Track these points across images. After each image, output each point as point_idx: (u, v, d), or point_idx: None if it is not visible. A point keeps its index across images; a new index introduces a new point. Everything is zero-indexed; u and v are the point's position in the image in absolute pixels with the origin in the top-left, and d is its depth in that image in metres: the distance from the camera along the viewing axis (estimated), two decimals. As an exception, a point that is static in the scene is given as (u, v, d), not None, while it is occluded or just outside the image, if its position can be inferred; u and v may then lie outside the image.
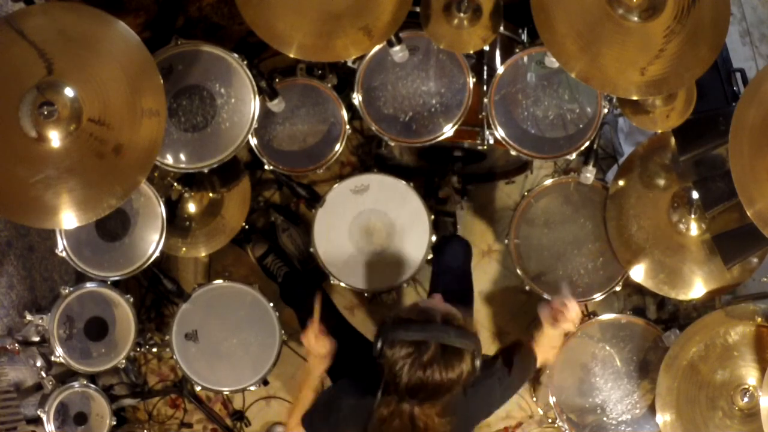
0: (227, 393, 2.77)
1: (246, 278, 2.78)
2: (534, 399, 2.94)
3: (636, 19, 1.93)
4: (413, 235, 2.55)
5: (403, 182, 2.57)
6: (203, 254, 2.68)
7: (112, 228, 2.39)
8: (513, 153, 2.39)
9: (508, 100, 2.38)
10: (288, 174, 2.56)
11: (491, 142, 2.39)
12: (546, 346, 2.16)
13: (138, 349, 2.71)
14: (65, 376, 2.56)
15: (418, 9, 2.15)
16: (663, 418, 2.30)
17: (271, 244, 2.96)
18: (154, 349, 2.80)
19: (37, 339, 2.46)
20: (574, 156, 2.41)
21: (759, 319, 2.26)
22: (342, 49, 2.04)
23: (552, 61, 2.22)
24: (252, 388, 2.57)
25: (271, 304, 2.55)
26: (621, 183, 2.46)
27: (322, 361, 2.10)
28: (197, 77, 2.30)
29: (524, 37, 2.40)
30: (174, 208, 2.62)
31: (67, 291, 2.43)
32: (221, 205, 2.66)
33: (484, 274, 3.06)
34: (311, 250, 2.57)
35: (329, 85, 2.51)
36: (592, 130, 2.37)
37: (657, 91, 1.97)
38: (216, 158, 2.31)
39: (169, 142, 2.31)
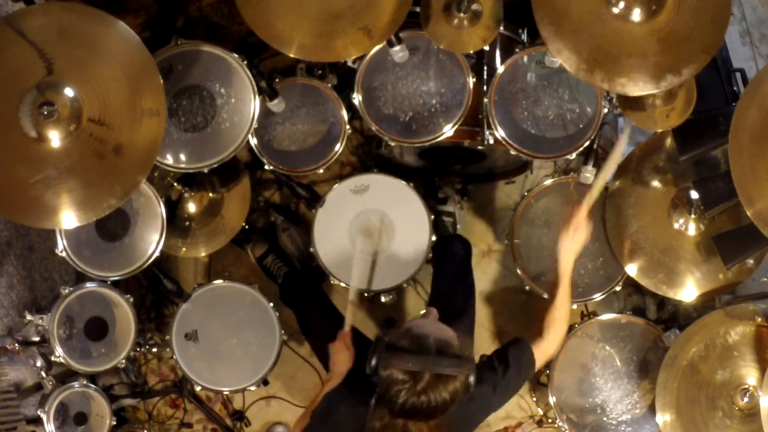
0: (227, 393, 2.77)
1: (246, 278, 2.78)
2: (534, 399, 2.94)
3: (636, 17, 1.93)
4: (413, 235, 2.55)
5: (403, 182, 2.57)
6: (203, 254, 2.68)
7: (112, 228, 2.39)
8: (513, 153, 2.39)
9: (508, 100, 2.38)
10: (288, 174, 2.56)
11: (491, 142, 2.39)
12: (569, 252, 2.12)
13: (138, 349, 2.71)
14: (65, 376, 2.56)
15: (418, 9, 2.15)
16: (663, 418, 2.30)
17: (271, 244, 2.96)
18: (154, 349, 2.80)
19: (37, 339, 2.46)
20: (574, 156, 2.41)
21: (759, 319, 2.26)
22: (342, 49, 2.04)
23: (552, 61, 2.22)
24: (252, 388, 2.57)
25: (271, 304, 2.55)
26: (620, 183, 2.46)
27: (339, 377, 2.13)
28: (197, 77, 2.30)
29: (524, 37, 2.40)
30: (174, 208, 2.62)
31: (67, 291, 2.43)
32: (221, 205, 2.66)
33: (484, 274, 3.06)
34: (311, 250, 2.57)
35: (329, 85, 2.51)
36: (592, 130, 2.37)
37: (656, 87, 1.97)
38: (216, 158, 2.31)
39: (169, 142, 2.31)
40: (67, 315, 2.44)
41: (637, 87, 1.96)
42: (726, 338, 2.27)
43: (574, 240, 2.12)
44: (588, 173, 2.41)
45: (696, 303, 2.48)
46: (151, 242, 2.38)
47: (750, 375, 2.25)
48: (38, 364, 2.43)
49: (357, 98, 2.38)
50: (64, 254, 2.36)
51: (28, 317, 2.41)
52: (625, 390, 2.51)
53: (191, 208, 2.65)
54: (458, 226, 2.94)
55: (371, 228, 2.56)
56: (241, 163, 2.65)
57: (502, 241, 3.02)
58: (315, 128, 2.54)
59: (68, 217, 1.88)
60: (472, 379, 1.71)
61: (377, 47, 2.24)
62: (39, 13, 1.91)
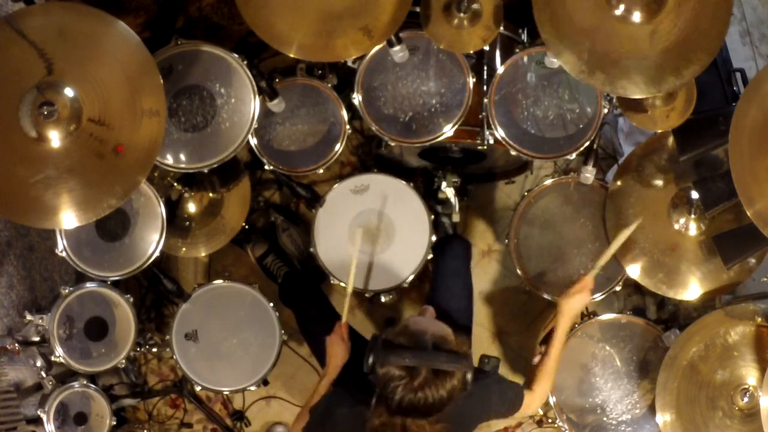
0: (227, 393, 2.77)
1: (246, 278, 2.78)
2: (534, 399, 2.94)
3: (637, 17, 1.93)
4: (413, 235, 2.55)
5: (403, 182, 2.57)
6: (203, 254, 2.68)
7: (112, 228, 2.39)
8: (513, 153, 2.39)
9: (508, 100, 2.38)
10: (288, 174, 2.56)
11: (491, 142, 2.39)
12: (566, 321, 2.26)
13: (138, 349, 2.71)
14: (65, 376, 2.56)
15: (418, 9, 2.15)
16: (663, 418, 2.30)
17: (271, 244, 2.96)
18: (154, 349, 2.80)
19: (37, 339, 2.46)
20: (574, 156, 2.41)
21: (759, 319, 2.26)
22: (342, 49, 2.04)
23: (552, 61, 2.22)
24: (252, 388, 2.57)
25: (271, 304, 2.55)
26: (620, 183, 2.46)
27: (336, 370, 2.15)
28: (197, 77, 2.30)
29: (524, 37, 2.40)
30: (174, 208, 2.62)
31: (67, 291, 2.43)
32: (221, 205, 2.66)
33: (484, 274, 3.07)
34: (311, 250, 2.57)
35: (329, 85, 2.51)
36: (592, 130, 2.37)
37: (657, 89, 1.97)
38: (216, 158, 2.31)
39: (169, 142, 2.31)
40: (67, 315, 2.44)
41: (638, 89, 1.96)
42: (726, 338, 2.27)
43: (578, 300, 2.26)
44: (588, 173, 2.41)
45: (696, 303, 2.48)
46: (151, 242, 2.38)
47: (750, 375, 2.25)
48: (38, 364, 2.43)
49: (357, 98, 2.38)
50: (64, 254, 2.36)
51: (28, 317, 2.41)
52: (625, 390, 2.51)
53: (191, 208, 2.65)
54: (458, 226, 2.94)
55: (371, 228, 2.56)
56: (241, 163, 2.65)
57: (502, 241, 3.02)
58: (315, 128, 2.54)
59: (68, 217, 1.88)
60: (469, 376, 1.71)
61: (377, 47, 2.24)
62: (39, 13, 1.91)
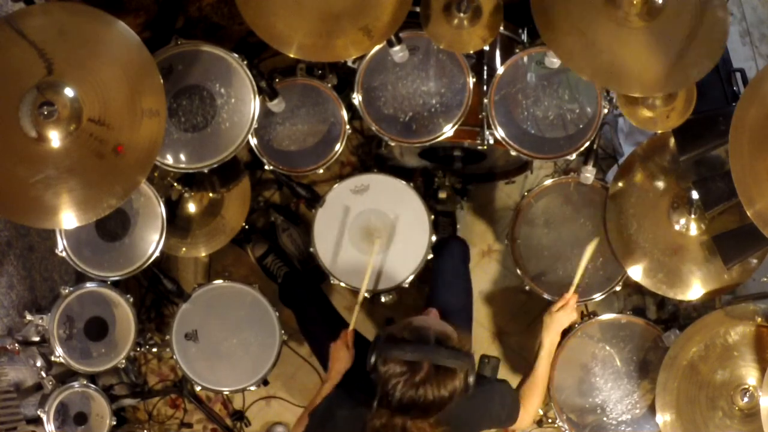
0: (227, 393, 2.77)
1: (246, 278, 2.78)
2: (534, 399, 2.94)
3: (637, 18, 1.93)
4: (413, 235, 2.55)
5: (403, 182, 2.57)
6: (203, 254, 2.68)
7: (112, 228, 2.39)
8: (513, 153, 2.39)
9: (508, 100, 2.38)
10: (288, 174, 2.56)
11: (491, 142, 2.39)
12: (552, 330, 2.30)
13: (138, 349, 2.71)
14: (65, 376, 2.56)
15: (418, 9, 2.15)
16: (663, 418, 2.29)
17: (271, 244, 2.96)
18: (154, 349, 2.80)
19: (37, 339, 2.46)
20: (574, 156, 2.41)
21: (759, 319, 2.26)
22: (342, 49, 2.04)
23: (552, 61, 2.22)
24: (252, 388, 2.57)
25: (271, 305, 2.55)
26: (621, 183, 2.46)
27: (338, 376, 2.15)
28: (197, 77, 2.30)
29: (524, 37, 2.40)
30: (174, 208, 2.62)
31: (67, 291, 2.43)
32: (221, 205, 2.66)
33: (484, 274, 3.07)
34: (311, 250, 2.56)
35: (329, 85, 2.51)
36: (592, 130, 2.37)
37: (659, 89, 1.97)
38: (216, 158, 2.31)
39: (169, 142, 2.31)
40: (67, 315, 2.44)
41: (639, 87, 1.96)
42: (726, 338, 2.27)
43: (561, 315, 2.31)
44: (588, 173, 2.40)
45: (696, 303, 2.48)
46: (151, 242, 2.38)
47: (750, 375, 2.25)
48: (38, 364, 2.43)
49: (357, 98, 2.38)
50: (64, 254, 2.36)
51: (28, 317, 2.41)
52: (625, 390, 2.50)
53: (191, 208, 2.65)
54: (458, 226, 2.94)
55: (371, 228, 2.56)
56: (241, 163, 2.65)
57: (502, 241, 3.02)
58: (315, 128, 2.54)
59: (68, 217, 1.88)
60: (471, 378, 1.71)
61: (377, 47, 2.24)
62: (39, 13, 1.91)
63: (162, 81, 1.93)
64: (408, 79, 2.40)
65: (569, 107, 2.40)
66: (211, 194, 2.67)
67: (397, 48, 2.16)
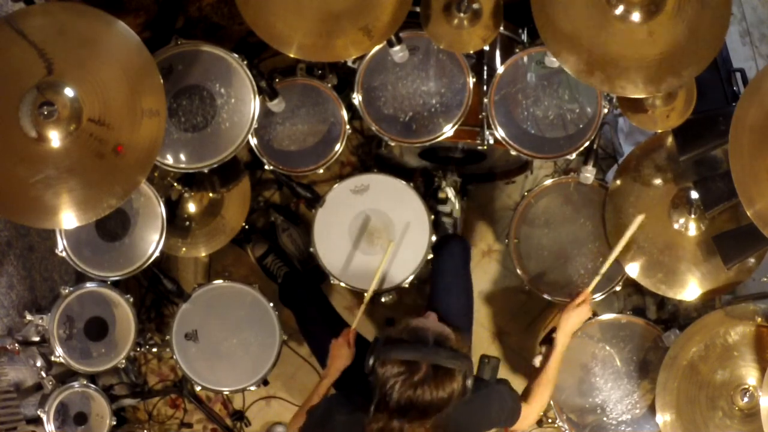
0: (227, 393, 2.77)
1: (246, 278, 2.78)
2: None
3: (636, 18, 1.93)
4: (413, 235, 2.54)
5: (403, 182, 2.56)
6: (203, 254, 2.68)
7: (112, 228, 2.39)
8: (513, 153, 2.39)
9: (508, 100, 2.38)
10: (288, 174, 2.56)
11: (491, 142, 2.39)
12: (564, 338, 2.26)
13: (138, 349, 2.71)
14: (65, 376, 2.56)
15: (418, 9, 2.15)
16: (663, 418, 2.30)
17: (271, 244, 2.96)
18: (154, 349, 2.80)
19: (37, 339, 2.47)
20: (574, 156, 2.41)
21: (759, 319, 2.26)
22: (342, 49, 2.04)
23: (552, 61, 2.22)
24: (252, 388, 2.57)
25: (271, 304, 2.55)
26: (620, 183, 2.46)
27: (336, 373, 2.16)
28: (197, 77, 2.30)
29: (524, 37, 2.40)
30: (174, 208, 2.62)
31: (67, 291, 2.43)
32: (221, 205, 2.66)
33: (484, 274, 3.07)
34: (311, 250, 2.56)
35: (329, 85, 2.51)
36: (592, 130, 2.37)
37: (656, 89, 1.97)
38: (216, 158, 2.31)
39: (169, 142, 2.31)
40: (67, 315, 2.44)
41: (637, 89, 1.96)
42: (726, 338, 2.27)
43: (578, 313, 2.27)
44: (588, 173, 2.41)
45: (696, 303, 2.48)
46: (151, 242, 2.38)
47: (750, 375, 2.25)
48: (38, 364, 2.43)
49: (357, 98, 2.38)
50: (64, 254, 2.36)
51: (28, 317, 2.41)
52: (625, 390, 2.51)
53: (191, 208, 2.65)
54: (458, 226, 2.94)
55: (371, 228, 2.55)
56: (241, 163, 2.65)
57: (502, 241, 3.02)
58: (315, 128, 2.54)
59: (68, 217, 1.88)
60: (469, 381, 1.71)
61: (377, 47, 2.23)
62: (39, 13, 1.91)
63: (162, 81, 1.93)
64: (408, 79, 2.40)
65: (569, 107, 2.40)
66: (211, 194, 2.67)
67: (397, 48, 2.16)
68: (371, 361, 1.71)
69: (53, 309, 2.41)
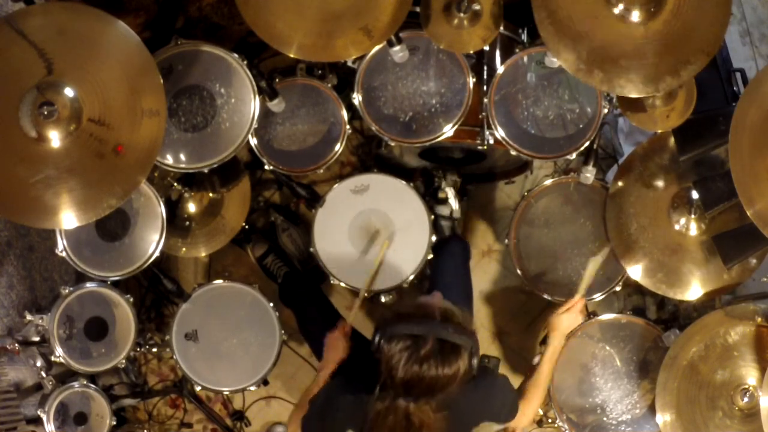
0: (227, 393, 2.77)
1: (246, 278, 2.78)
2: (534, 399, 2.94)
3: (636, 17, 1.93)
4: (413, 235, 2.55)
5: (403, 182, 2.57)
6: (203, 254, 2.68)
7: (112, 228, 2.39)
8: (513, 153, 2.39)
9: (508, 100, 2.38)
10: (288, 174, 2.56)
11: (491, 142, 2.39)
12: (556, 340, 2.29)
13: (138, 349, 2.71)
14: (65, 376, 2.56)
15: (418, 9, 2.15)
16: (663, 418, 2.29)
17: (271, 244, 2.96)
18: (154, 349, 2.80)
19: (37, 339, 2.46)
20: (574, 156, 2.41)
21: (759, 319, 2.26)
22: (342, 49, 2.04)
23: (552, 61, 2.22)
24: (252, 388, 2.57)
25: (271, 304, 2.55)
26: (621, 183, 2.46)
27: (335, 362, 2.14)
28: (197, 77, 2.30)
29: (524, 37, 2.40)
30: (174, 208, 2.62)
31: (67, 291, 2.43)
32: (221, 205, 2.66)
33: (484, 274, 3.07)
34: (311, 250, 2.56)
35: (329, 85, 2.51)
36: (592, 130, 2.37)
37: (656, 89, 1.97)
38: (216, 158, 2.31)
39: (169, 142, 2.31)
40: (67, 315, 2.44)
41: (637, 88, 1.96)
42: (726, 338, 2.27)
43: (567, 318, 2.33)
44: (588, 173, 2.41)
45: (696, 303, 2.48)
46: (151, 242, 2.38)
47: (750, 375, 2.25)
48: (38, 364, 2.43)
49: (357, 98, 2.38)
50: (64, 254, 2.36)
51: (28, 317, 2.41)
52: (625, 390, 2.50)
53: (191, 208, 2.65)
54: (458, 227, 2.94)
55: (371, 228, 2.56)
56: (241, 163, 2.65)
57: (502, 241, 3.02)
58: (315, 128, 2.54)
59: (68, 217, 1.88)
60: (475, 360, 1.71)
61: (377, 47, 2.23)
62: (39, 13, 1.91)
63: (162, 81, 1.93)
64: (408, 79, 2.40)
65: (569, 107, 2.40)
66: (211, 194, 2.67)
67: (397, 48, 2.16)
68: (377, 338, 1.70)
69: (53, 309, 2.41)
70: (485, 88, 2.37)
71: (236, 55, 2.28)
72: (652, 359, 2.48)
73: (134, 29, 1.92)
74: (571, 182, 2.57)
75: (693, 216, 2.35)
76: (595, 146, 2.35)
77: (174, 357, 2.55)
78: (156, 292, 2.97)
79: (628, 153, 2.53)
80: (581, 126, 2.39)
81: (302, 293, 2.67)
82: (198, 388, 2.60)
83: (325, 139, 2.54)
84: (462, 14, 2.12)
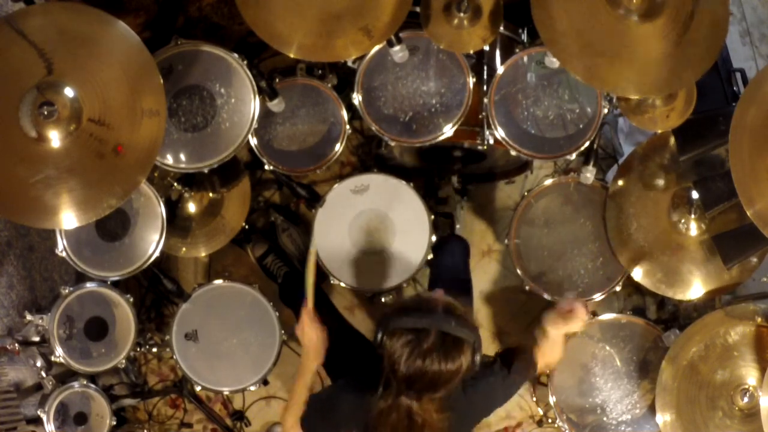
0: (227, 393, 2.77)
1: (246, 278, 2.78)
2: (534, 399, 2.94)
3: (636, 18, 1.93)
4: (413, 235, 2.54)
5: (403, 182, 2.56)
6: (203, 254, 2.68)
7: (112, 228, 2.39)
8: (513, 153, 2.39)
9: (508, 100, 2.38)
10: (288, 174, 2.56)
11: (491, 142, 2.39)
12: (549, 350, 2.12)
13: (138, 349, 2.71)
14: (65, 376, 2.56)
15: (418, 9, 2.15)
16: (663, 418, 2.30)
17: (271, 244, 2.96)
18: (154, 349, 2.80)
19: (37, 339, 2.46)
20: (574, 156, 2.41)
21: (759, 319, 2.26)
22: (342, 49, 2.04)
23: (552, 61, 2.22)
24: (252, 388, 2.57)
25: (271, 304, 2.55)
26: (621, 183, 2.46)
27: (317, 356, 2.05)
28: (197, 77, 2.30)
29: (524, 37, 2.40)
30: (174, 208, 2.62)
31: (67, 291, 2.43)
32: (221, 205, 2.66)
33: (484, 274, 3.06)
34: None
35: (329, 85, 2.51)
36: (592, 130, 2.37)
37: (657, 91, 1.97)
38: (216, 158, 2.31)
39: (169, 142, 2.31)
40: (67, 315, 2.44)
41: (637, 89, 1.96)
42: (726, 338, 2.27)
43: (567, 326, 2.08)
44: (588, 173, 2.41)
45: (696, 303, 2.48)
46: (151, 242, 2.38)
47: (750, 375, 2.25)
48: (38, 364, 2.43)
49: (357, 98, 2.38)
50: (64, 254, 2.36)
51: (28, 317, 2.41)
52: (625, 390, 2.51)
53: (191, 208, 2.65)
54: (458, 226, 2.94)
55: (371, 228, 2.56)
56: (241, 163, 2.65)
57: (502, 241, 3.01)
58: (315, 128, 2.54)
59: (68, 217, 1.88)
60: (477, 356, 1.70)
61: (377, 47, 2.24)
62: (39, 13, 1.91)
63: (162, 81, 1.93)
64: (408, 79, 2.40)
65: (569, 107, 2.40)
66: (211, 194, 2.67)
67: (397, 48, 2.16)
68: (380, 334, 1.69)
69: (53, 309, 2.41)
70: (485, 88, 2.37)
71: (236, 55, 2.28)
72: (652, 359, 2.48)
73: (134, 29, 1.93)
74: (571, 182, 2.57)
75: (693, 216, 2.35)
76: (595, 146, 2.35)
77: (174, 357, 2.55)
78: (156, 292, 2.97)
79: (628, 153, 2.54)
80: (581, 126, 2.39)
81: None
82: (198, 388, 2.60)
83: (325, 139, 2.54)
84: (462, 14, 2.12)
